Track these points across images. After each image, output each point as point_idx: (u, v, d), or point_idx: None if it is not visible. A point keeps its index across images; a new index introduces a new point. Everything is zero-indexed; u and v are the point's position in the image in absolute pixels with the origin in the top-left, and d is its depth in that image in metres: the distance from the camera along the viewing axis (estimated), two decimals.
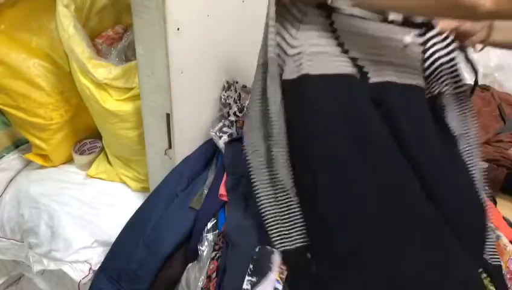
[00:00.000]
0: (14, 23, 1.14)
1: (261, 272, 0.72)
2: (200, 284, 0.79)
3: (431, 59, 0.81)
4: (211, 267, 0.79)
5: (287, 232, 0.76)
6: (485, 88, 1.48)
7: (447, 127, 0.83)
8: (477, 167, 0.84)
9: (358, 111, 0.74)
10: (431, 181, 0.73)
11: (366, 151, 0.72)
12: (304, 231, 0.75)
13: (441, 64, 0.81)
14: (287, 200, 0.76)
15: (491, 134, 1.25)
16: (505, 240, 0.81)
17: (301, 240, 0.75)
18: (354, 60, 0.76)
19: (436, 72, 0.82)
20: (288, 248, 0.75)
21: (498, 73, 1.56)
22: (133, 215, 0.96)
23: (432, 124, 0.79)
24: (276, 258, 0.74)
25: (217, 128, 1.03)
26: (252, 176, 0.78)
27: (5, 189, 1.22)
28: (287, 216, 0.76)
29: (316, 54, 0.74)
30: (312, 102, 0.73)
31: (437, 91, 0.83)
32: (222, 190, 0.89)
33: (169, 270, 0.87)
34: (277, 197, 0.77)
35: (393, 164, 0.72)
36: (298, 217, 0.75)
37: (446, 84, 0.82)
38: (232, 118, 1.05)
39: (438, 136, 0.79)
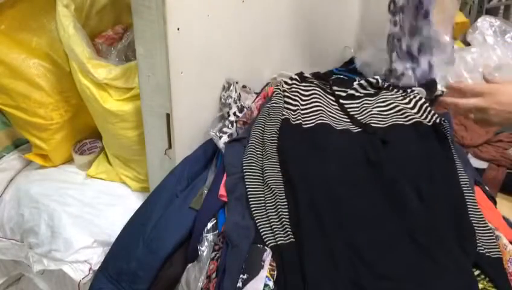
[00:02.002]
0: (14, 23, 1.14)
1: (252, 270, 0.73)
2: (200, 284, 0.79)
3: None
4: (210, 268, 0.79)
5: (281, 227, 0.79)
6: None
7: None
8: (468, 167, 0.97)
9: None
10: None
11: None
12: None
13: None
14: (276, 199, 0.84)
15: (491, 134, 1.25)
16: (504, 240, 0.81)
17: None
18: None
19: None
20: (282, 242, 0.77)
21: (498, 73, 1.56)
22: (133, 216, 0.95)
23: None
24: (268, 256, 0.75)
25: (217, 128, 1.03)
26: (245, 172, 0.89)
27: (5, 189, 1.22)
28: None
29: None
30: None
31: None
32: (222, 190, 0.89)
33: (169, 270, 0.87)
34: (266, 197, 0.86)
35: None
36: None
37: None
38: (232, 118, 1.05)
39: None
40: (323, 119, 1.03)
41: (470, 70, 1.52)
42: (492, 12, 2.13)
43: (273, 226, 0.80)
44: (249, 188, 0.88)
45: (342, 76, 1.36)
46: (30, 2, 1.17)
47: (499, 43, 1.61)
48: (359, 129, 1.03)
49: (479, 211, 0.85)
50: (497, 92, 0.87)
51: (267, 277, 0.72)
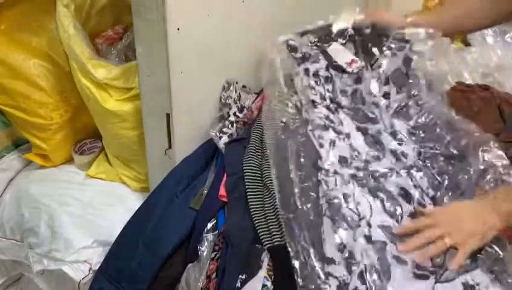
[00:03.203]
0: (14, 23, 1.14)
1: (251, 270, 0.73)
2: (200, 284, 0.79)
3: None
4: (210, 268, 0.79)
5: (278, 228, 0.79)
6: (485, 88, 1.48)
7: None
8: None
9: None
10: None
11: None
12: None
13: None
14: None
15: (491, 134, 1.25)
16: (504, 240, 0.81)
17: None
18: None
19: None
20: (279, 243, 0.77)
21: (498, 73, 1.56)
22: (133, 216, 0.96)
23: None
24: (266, 256, 0.75)
25: (217, 128, 1.03)
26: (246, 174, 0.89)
27: (5, 189, 1.22)
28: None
29: None
30: None
31: None
32: (222, 191, 0.89)
33: (169, 270, 0.87)
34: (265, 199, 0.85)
35: None
36: None
37: None
38: (232, 118, 1.05)
39: None
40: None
41: (470, 70, 1.52)
42: None
43: (271, 227, 0.79)
44: (248, 188, 0.87)
45: None
46: (30, 2, 1.17)
47: (499, 43, 1.61)
48: None
49: None
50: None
51: (265, 277, 0.72)
